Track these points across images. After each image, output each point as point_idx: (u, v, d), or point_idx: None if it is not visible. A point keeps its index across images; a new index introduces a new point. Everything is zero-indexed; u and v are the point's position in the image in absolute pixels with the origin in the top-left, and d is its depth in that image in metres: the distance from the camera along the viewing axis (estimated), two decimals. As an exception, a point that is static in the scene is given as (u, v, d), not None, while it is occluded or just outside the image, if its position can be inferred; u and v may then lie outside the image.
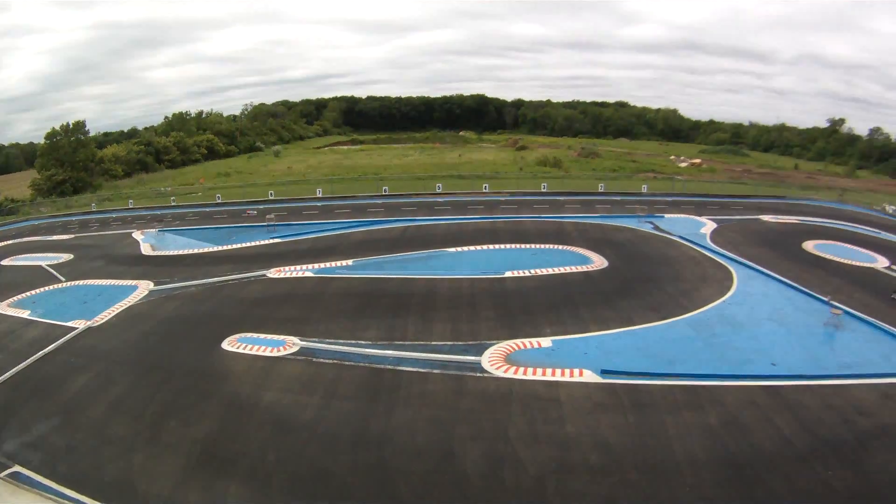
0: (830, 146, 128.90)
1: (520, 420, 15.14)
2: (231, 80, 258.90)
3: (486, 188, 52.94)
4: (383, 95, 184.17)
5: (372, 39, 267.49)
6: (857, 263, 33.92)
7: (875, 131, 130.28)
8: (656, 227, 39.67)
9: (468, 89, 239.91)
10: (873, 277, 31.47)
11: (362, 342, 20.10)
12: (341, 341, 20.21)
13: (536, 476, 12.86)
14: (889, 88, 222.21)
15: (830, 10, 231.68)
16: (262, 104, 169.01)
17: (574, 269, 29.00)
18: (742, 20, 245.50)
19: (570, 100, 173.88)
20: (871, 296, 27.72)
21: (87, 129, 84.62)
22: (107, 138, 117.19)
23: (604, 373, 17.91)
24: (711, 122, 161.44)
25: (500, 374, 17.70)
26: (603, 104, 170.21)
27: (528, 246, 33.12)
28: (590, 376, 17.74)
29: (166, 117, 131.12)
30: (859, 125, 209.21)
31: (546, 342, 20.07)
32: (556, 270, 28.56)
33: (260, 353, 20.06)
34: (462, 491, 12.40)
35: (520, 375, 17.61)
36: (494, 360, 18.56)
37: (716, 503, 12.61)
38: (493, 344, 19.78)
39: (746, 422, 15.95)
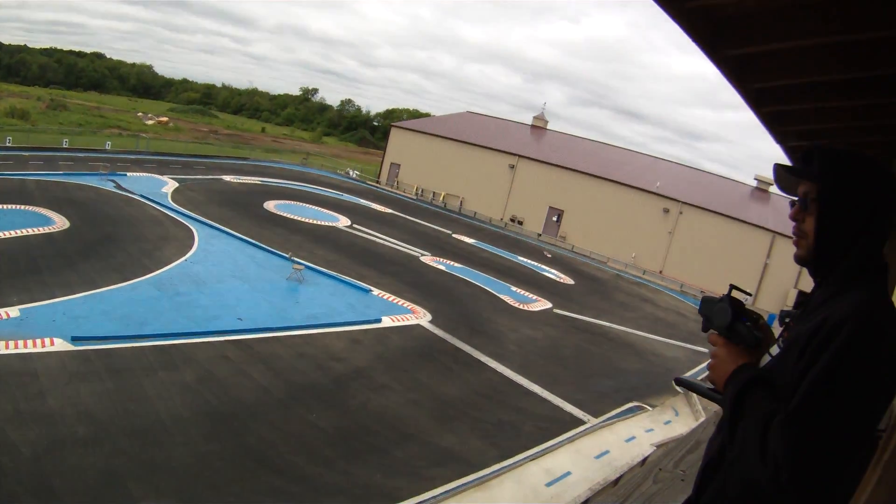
0: (300, 113, 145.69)
1: (1, 399, 14.35)
2: None
3: (-50, 142, 45.96)
4: None
5: None
6: (319, 222, 39.63)
7: (346, 102, 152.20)
8: (118, 186, 39.27)
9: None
10: (334, 234, 37.29)
11: None
12: None
13: (32, 457, 12.43)
14: (364, 65, 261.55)
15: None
16: None
17: (36, 230, 27.60)
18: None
19: (49, 46, 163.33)
20: (332, 251, 32.92)
21: None
22: None
23: (74, 339, 17.78)
24: (184, 81, 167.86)
25: (-28, 350, 16.54)
26: (80, 54, 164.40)
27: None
28: (61, 344, 17.46)
29: None
30: (331, 96, 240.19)
31: (14, 312, 19.08)
32: (19, 232, 26.96)
33: None
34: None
35: (-9, 349, 16.78)
36: (-35, 334, 17.33)
37: (211, 457, 13.63)
38: (-38, 317, 18.22)
39: (222, 376, 17.28)
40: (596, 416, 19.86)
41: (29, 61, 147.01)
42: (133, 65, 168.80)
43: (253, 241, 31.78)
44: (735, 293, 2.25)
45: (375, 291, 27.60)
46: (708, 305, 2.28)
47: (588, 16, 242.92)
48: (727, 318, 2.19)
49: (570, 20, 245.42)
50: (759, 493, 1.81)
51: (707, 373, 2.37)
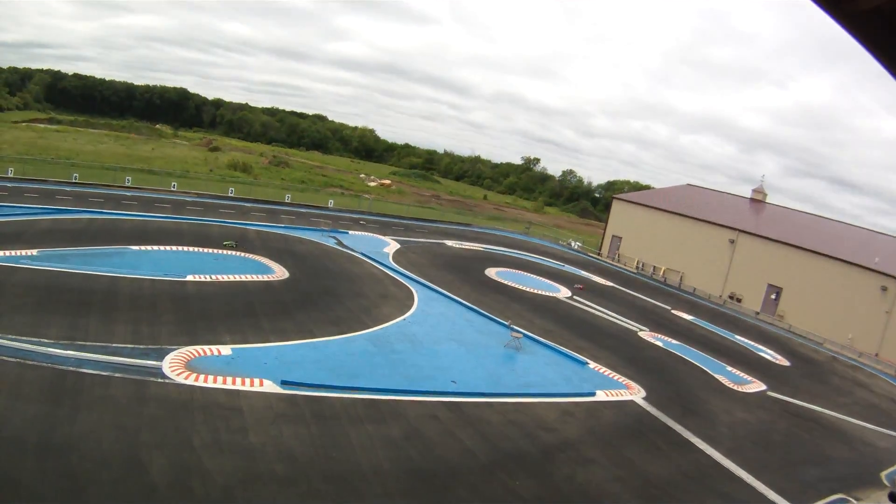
0: (522, 181, 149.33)
1: (203, 428, 15.51)
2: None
3: (174, 186, 53.07)
4: (88, 75, 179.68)
5: (84, 13, 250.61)
6: (539, 292, 39.59)
7: (568, 173, 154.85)
8: (339, 243, 42.16)
9: (171, 81, 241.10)
10: (554, 305, 37.04)
11: (45, 340, 19.14)
12: (24, 338, 19.01)
13: (224, 486, 13.27)
14: (581, 135, 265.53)
15: (532, 58, 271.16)
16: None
17: (255, 277, 30.18)
18: (444, 53, 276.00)
19: (270, 106, 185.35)
20: (551, 322, 32.60)
21: None
22: None
23: (284, 383, 18.84)
24: (406, 146, 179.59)
25: (181, 380, 18.00)
26: (301, 115, 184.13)
27: (210, 250, 33.83)
28: (270, 386, 18.60)
29: None
30: (552, 166, 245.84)
31: (226, 350, 20.72)
32: (238, 278, 29.54)
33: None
34: (151, 500, 12.52)
35: (200, 383, 18.05)
36: (175, 365, 18.87)
37: (406, 512, 13.82)
38: (174, 349, 20.03)
39: (429, 435, 17.48)
40: (799, 507, 18.38)
41: (251, 119, 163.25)
42: (355, 128, 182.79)
43: (472, 307, 32.31)
44: None
45: (591, 364, 26.93)
46: None
47: (794, 80, 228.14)
48: None
49: (777, 85, 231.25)
50: None
51: None
